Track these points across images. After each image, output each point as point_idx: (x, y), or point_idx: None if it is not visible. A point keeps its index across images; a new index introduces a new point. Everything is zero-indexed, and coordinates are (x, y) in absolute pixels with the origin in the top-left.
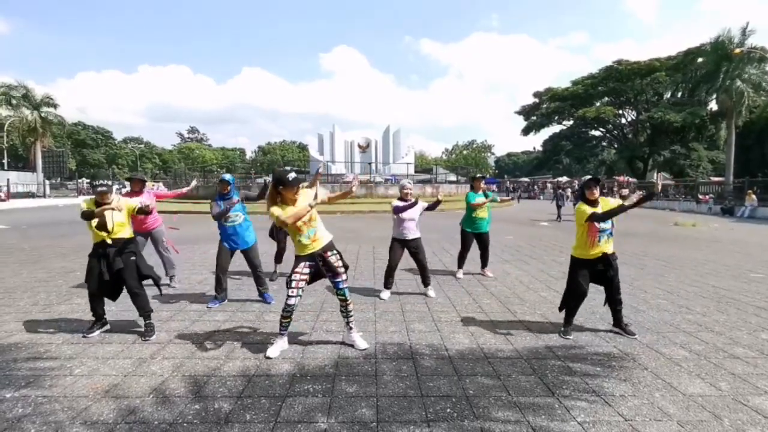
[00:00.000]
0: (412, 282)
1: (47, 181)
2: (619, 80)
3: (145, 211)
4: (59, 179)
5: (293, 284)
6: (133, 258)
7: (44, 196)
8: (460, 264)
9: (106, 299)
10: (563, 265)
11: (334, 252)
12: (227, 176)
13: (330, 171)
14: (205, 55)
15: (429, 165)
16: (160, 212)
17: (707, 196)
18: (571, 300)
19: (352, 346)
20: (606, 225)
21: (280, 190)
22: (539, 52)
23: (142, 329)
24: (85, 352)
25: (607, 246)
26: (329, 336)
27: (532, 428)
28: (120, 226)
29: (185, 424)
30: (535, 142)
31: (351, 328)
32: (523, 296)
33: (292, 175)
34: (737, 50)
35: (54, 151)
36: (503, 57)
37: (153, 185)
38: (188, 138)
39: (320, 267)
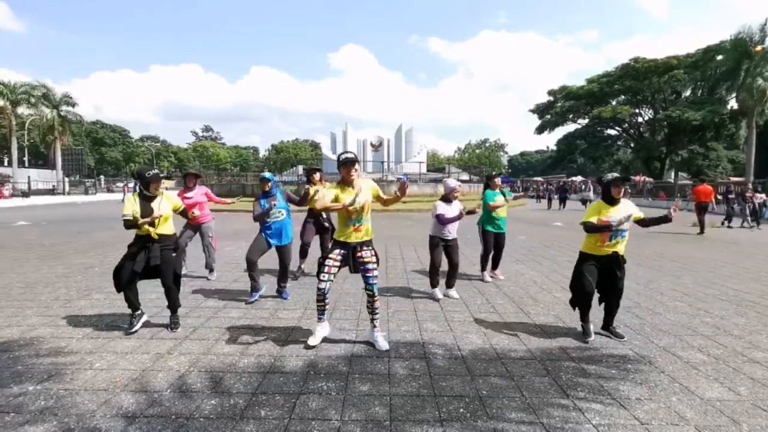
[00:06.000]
0: (425, 281)
1: (66, 179)
2: (636, 78)
3: (185, 215)
4: (78, 176)
5: (325, 269)
6: (173, 254)
7: (63, 193)
8: (484, 266)
9: (139, 287)
10: None
11: (370, 248)
12: (267, 174)
13: None
14: (215, 53)
15: (441, 164)
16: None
17: None
18: (576, 296)
19: (372, 345)
20: (623, 226)
21: (340, 169)
22: (549, 49)
23: (168, 322)
24: (105, 346)
25: (619, 246)
26: (343, 334)
27: (546, 430)
28: (165, 221)
29: (202, 419)
30: (549, 140)
31: (375, 326)
32: (536, 297)
33: (344, 155)
34: (758, 48)
35: (73, 149)
36: (512, 55)
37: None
38: (202, 136)
39: (350, 259)
